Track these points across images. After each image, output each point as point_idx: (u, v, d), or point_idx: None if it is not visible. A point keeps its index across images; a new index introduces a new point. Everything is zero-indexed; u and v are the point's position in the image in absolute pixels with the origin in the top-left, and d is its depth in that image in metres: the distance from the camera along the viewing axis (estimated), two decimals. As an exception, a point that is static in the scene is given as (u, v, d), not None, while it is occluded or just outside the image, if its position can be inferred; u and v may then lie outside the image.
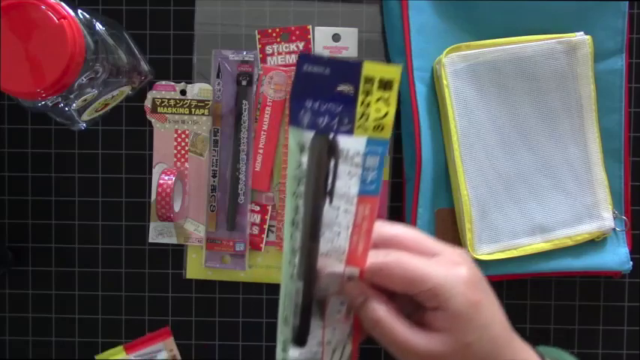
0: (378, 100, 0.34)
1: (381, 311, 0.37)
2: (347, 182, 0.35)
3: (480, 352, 0.36)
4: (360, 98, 0.33)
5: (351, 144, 0.34)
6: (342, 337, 0.39)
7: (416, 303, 0.37)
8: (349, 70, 0.33)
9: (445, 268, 0.36)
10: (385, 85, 0.34)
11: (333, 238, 0.36)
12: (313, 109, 0.33)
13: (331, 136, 0.34)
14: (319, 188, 0.34)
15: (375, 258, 0.37)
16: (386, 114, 0.34)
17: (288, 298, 0.36)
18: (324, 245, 0.35)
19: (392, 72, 0.34)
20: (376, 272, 0.37)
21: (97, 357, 0.47)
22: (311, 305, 0.37)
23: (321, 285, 0.37)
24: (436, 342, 0.36)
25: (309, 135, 0.33)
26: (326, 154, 0.34)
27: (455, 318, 0.36)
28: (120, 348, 0.47)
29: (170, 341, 0.48)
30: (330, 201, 0.35)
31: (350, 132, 0.34)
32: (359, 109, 0.33)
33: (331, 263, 0.36)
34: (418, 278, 0.36)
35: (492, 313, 0.37)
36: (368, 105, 0.34)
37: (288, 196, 0.35)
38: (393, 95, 0.34)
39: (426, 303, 0.36)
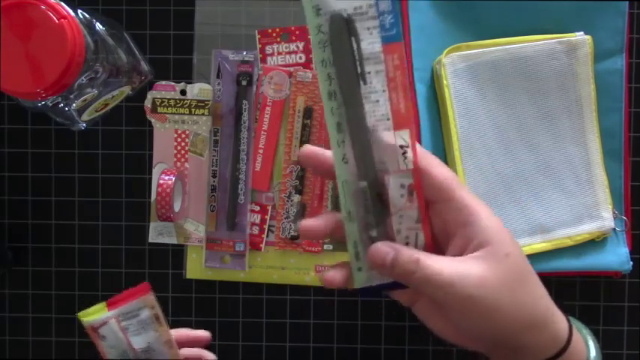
0: None
1: (421, 254, 0.36)
2: (369, 40, 0.35)
3: (519, 264, 0.37)
4: None
5: None
6: (412, 224, 0.38)
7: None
8: None
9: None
10: None
11: (374, 109, 0.36)
12: None
13: (342, 12, 0.35)
14: (349, 71, 0.35)
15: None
16: None
17: (346, 188, 0.37)
18: (367, 120, 0.36)
19: None
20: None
21: (78, 314, 0.46)
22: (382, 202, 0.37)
23: (379, 165, 0.37)
24: (476, 263, 0.36)
25: None
26: (347, 35, 0.35)
27: (488, 230, 0.36)
28: (102, 305, 0.46)
29: (150, 298, 0.46)
30: (364, 82, 0.35)
31: None
32: None
33: (381, 135, 0.36)
34: (448, 181, 0.37)
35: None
36: None
37: (317, 66, 0.36)
38: None
39: (456, 217, 0.37)
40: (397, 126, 0.36)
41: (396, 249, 0.36)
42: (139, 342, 0.46)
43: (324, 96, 0.36)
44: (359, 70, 0.35)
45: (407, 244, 0.38)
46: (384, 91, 0.36)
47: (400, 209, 0.37)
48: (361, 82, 0.36)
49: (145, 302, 0.46)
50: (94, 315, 0.47)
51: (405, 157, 0.37)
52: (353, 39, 0.35)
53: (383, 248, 0.36)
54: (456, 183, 0.37)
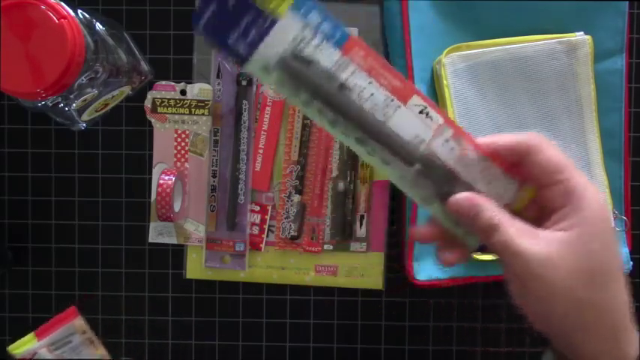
0: None
1: (503, 217, 0.36)
2: (326, 53, 0.36)
3: (600, 263, 0.34)
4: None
5: (290, 29, 0.35)
6: (478, 167, 0.38)
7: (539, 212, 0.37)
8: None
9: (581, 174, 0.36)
10: None
11: (375, 102, 0.37)
12: (239, 35, 0.35)
13: (285, 53, 0.35)
14: (331, 92, 0.36)
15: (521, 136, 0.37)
16: None
17: (405, 182, 0.38)
18: (376, 115, 0.37)
19: None
20: (523, 147, 0.37)
21: (8, 348, 0.45)
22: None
23: (415, 141, 0.37)
24: (551, 242, 0.34)
25: (259, 55, 0.35)
26: (303, 68, 0.36)
27: (587, 218, 0.34)
28: (30, 335, 0.45)
29: (79, 323, 0.45)
30: (349, 89, 0.36)
31: (273, 23, 0.35)
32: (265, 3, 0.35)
33: (397, 116, 0.37)
34: (562, 165, 0.36)
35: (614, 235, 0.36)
36: None
37: (303, 109, 0.37)
38: None
39: (557, 200, 0.35)
40: (403, 99, 0.37)
41: (478, 205, 0.36)
42: None
43: (328, 127, 0.37)
44: (337, 84, 0.36)
45: (489, 183, 0.38)
46: (370, 82, 0.36)
47: (458, 161, 0.38)
48: (347, 92, 0.36)
49: (74, 328, 0.45)
50: (23, 346, 0.45)
51: (431, 118, 0.37)
52: (310, 66, 0.36)
53: (464, 202, 0.37)
54: (564, 165, 0.36)
